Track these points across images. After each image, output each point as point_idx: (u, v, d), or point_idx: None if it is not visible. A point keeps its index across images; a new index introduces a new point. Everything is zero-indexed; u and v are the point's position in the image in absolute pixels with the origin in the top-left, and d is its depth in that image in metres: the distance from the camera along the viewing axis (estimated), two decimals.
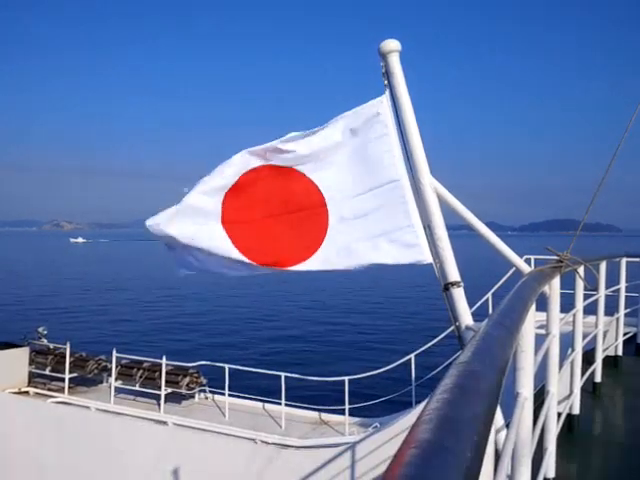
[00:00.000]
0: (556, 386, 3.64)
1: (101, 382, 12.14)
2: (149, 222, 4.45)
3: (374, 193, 4.19)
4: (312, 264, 4.39)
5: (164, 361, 10.87)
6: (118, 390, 11.31)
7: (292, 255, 4.41)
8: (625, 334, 7.38)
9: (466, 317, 4.10)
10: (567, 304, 4.55)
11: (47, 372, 12.10)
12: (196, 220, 4.45)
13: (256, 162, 4.37)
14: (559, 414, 4.17)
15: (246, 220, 4.44)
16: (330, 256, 4.30)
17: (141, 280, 54.91)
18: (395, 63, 4.00)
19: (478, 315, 5.20)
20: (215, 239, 4.45)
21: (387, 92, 4.12)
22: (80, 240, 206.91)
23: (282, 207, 4.40)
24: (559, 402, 4.16)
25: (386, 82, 4.08)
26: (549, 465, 3.60)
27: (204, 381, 11.32)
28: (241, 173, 4.38)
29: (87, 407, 11.07)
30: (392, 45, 3.98)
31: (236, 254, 4.44)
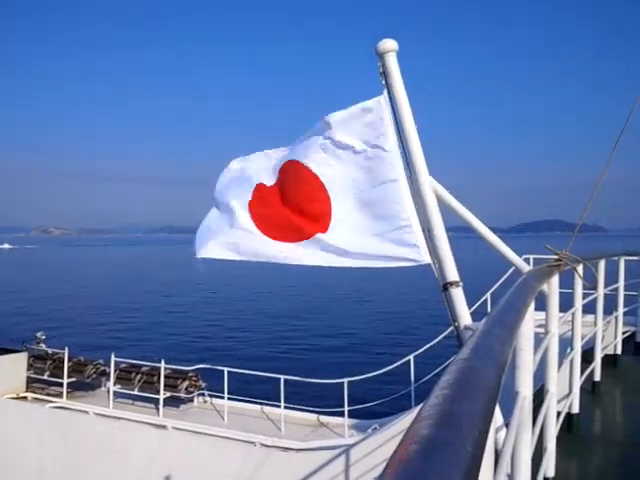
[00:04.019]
0: (555, 385, 3.63)
1: (100, 386, 12.11)
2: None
3: (373, 193, 4.20)
4: (316, 245, 4.54)
5: (163, 365, 10.84)
6: (117, 394, 11.28)
7: (301, 231, 4.63)
8: (624, 333, 7.37)
9: (465, 317, 4.09)
10: (566, 303, 4.55)
11: (45, 377, 12.06)
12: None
13: (273, 173, 4.84)
14: (558, 413, 4.16)
15: (267, 208, 4.80)
16: (331, 248, 4.40)
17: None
18: (392, 63, 4.00)
19: (477, 315, 5.20)
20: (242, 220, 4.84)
21: (385, 92, 4.12)
22: (6, 246, 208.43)
23: (293, 198, 4.67)
24: (558, 401, 4.15)
25: (384, 82, 4.08)
26: (549, 464, 3.59)
27: (203, 385, 11.29)
28: (261, 179, 4.90)
29: (86, 412, 11.03)
30: (389, 45, 3.97)
31: (254, 230, 4.78)
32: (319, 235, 4.44)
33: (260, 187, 4.86)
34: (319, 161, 4.43)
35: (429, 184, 4.10)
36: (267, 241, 4.71)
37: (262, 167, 4.95)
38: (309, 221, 4.54)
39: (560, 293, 3.71)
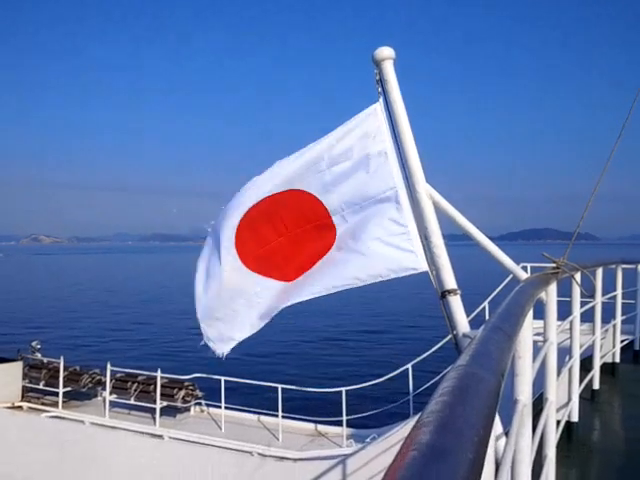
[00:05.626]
0: (554, 393, 3.61)
1: (95, 396, 12.02)
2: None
3: (371, 202, 4.19)
4: (315, 277, 4.30)
5: (159, 374, 10.78)
6: (113, 404, 11.20)
7: (301, 265, 4.38)
8: (622, 341, 7.36)
9: (463, 325, 4.07)
10: (564, 311, 4.53)
11: (41, 386, 11.98)
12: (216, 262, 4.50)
13: (257, 196, 4.39)
14: (558, 422, 4.14)
15: (259, 247, 4.44)
16: (330, 269, 4.25)
17: None
18: (389, 70, 4.00)
19: (475, 323, 5.18)
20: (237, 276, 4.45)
21: (381, 99, 4.12)
22: None
23: (290, 225, 4.41)
24: (558, 410, 4.13)
25: (380, 89, 4.08)
26: (549, 473, 3.56)
27: (200, 394, 11.23)
28: (245, 210, 4.41)
29: (81, 421, 10.94)
30: (386, 52, 3.98)
31: (259, 279, 4.42)
32: (318, 263, 4.26)
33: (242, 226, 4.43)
34: (316, 182, 4.29)
35: (426, 191, 4.09)
36: (273, 285, 4.40)
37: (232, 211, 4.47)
38: (313, 250, 4.31)
39: (558, 301, 3.70)
